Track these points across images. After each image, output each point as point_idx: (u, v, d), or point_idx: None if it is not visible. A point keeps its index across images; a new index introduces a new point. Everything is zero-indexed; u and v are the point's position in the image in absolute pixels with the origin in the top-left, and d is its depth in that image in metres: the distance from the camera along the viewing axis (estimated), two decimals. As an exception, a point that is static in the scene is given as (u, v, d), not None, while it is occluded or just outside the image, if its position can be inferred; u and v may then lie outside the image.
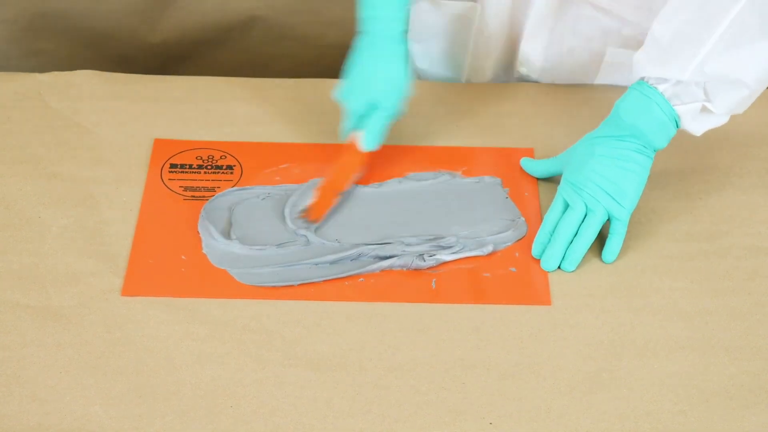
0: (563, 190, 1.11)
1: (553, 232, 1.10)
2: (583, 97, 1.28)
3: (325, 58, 1.77)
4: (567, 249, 1.09)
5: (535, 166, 1.18)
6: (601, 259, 1.10)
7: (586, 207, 1.09)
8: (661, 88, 1.06)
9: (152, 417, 0.96)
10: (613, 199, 1.08)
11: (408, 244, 1.09)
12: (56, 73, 1.29)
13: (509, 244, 1.11)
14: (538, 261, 1.09)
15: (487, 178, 1.18)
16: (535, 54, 1.29)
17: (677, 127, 1.08)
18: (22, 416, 0.95)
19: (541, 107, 1.27)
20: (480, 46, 1.31)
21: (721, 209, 1.15)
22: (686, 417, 0.97)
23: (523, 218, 1.14)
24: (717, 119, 1.08)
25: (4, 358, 1.00)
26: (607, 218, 1.09)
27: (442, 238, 1.10)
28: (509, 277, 1.08)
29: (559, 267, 1.09)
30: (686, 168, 1.20)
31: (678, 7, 1.06)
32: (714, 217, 1.14)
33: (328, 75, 1.30)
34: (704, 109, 1.08)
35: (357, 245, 1.09)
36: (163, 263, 1.08)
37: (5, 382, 0.98)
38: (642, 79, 1.08)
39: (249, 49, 1.75)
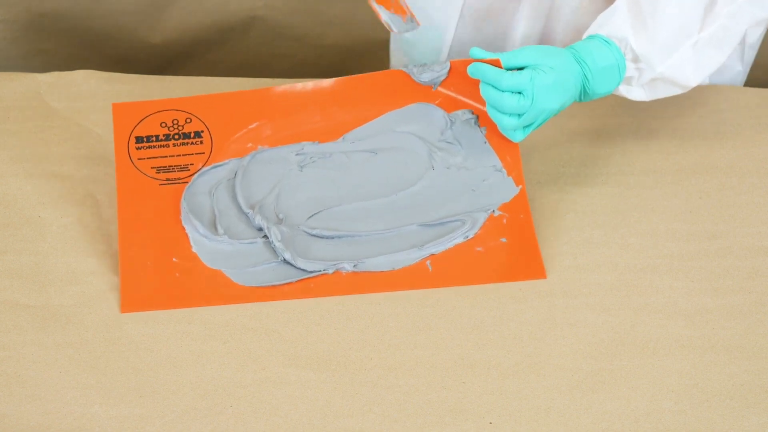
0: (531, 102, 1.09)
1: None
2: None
3: (325, 58, 1.77)
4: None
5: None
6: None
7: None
8: (630, 66, 1.11)
9: (152, 417, 0.96)
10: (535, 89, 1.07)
11: (419, 246, 1.08)
12: (56, 73, 1.29)
13: (496, 207, 1.11)
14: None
15: (460, 114, 1.16)
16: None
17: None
18: (22, 416, 0.95)
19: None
20: (466, 20, 1.31)
21: (721, 209, 1.15)
22: (686, 417, 0.97)
23: (505, 171, 1.12)
24: (633, 96, 1.15)
25: (4, 358, 1.00)
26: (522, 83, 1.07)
27: (448, 222, 1.09)
28: (501, 250, 1.08)
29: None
30: (686, 168, 1.20)
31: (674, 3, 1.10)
32: (714, 217, 1.14)
33: (328, 75, 1.30)
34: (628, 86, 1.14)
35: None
36: (155, 270, 1.06)
37: (5, 382, 0.98)
38: (616, 43, 1.11)
39: (249, 49, 1.75)
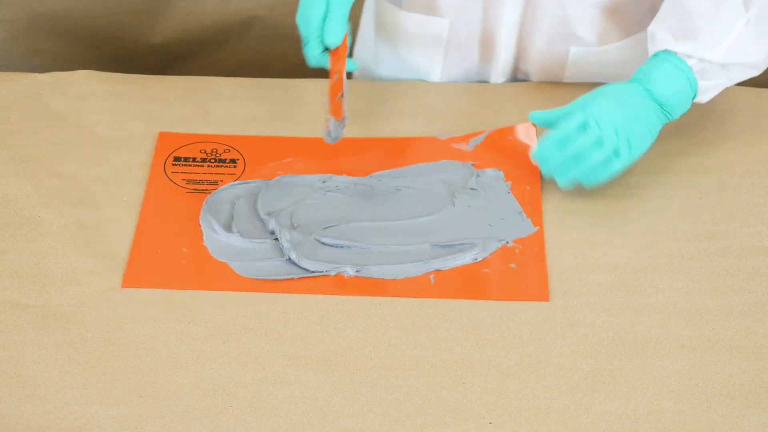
0: (583, 111, 1.11)
1: (562, 144, 1.11)
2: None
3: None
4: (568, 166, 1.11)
5: (547, 116, 1.16)
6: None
7: (601, 138, 1.09)
8: (690, 62, 1.12)
9: (152, 417, 0.96)
10: (628, 141, 1.10)
11: (425, 260, 1.09)
12: (56, 73, 1.29)
13: (511, 240, 1.11)
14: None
15: (489, 171, 1.18)
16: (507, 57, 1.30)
17: (693, 99, 1.14)
18: (22, 416, 0.95)
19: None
20: (452, 57, 1.32)
21: (721, 209, 1.15)
22: (686, 417, 0.97)
23: (524, 215, 1.13)
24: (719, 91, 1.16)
25: (4, 358, 1.00)
26: (611, 154, 1.10)
27: (458, 244, 1.10)
28: (508, 273, 1.08)
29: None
30: (686, 168, 1.20)
31: None
32: (714, 217, 1.14)
33: (328, 75, 1.30)
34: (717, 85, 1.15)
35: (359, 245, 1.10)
36: (163, 255, 1.08)
37: (5, 382, 0.98)
38: (668, 50, 1.12)
39: (249, 49, 1.76)
